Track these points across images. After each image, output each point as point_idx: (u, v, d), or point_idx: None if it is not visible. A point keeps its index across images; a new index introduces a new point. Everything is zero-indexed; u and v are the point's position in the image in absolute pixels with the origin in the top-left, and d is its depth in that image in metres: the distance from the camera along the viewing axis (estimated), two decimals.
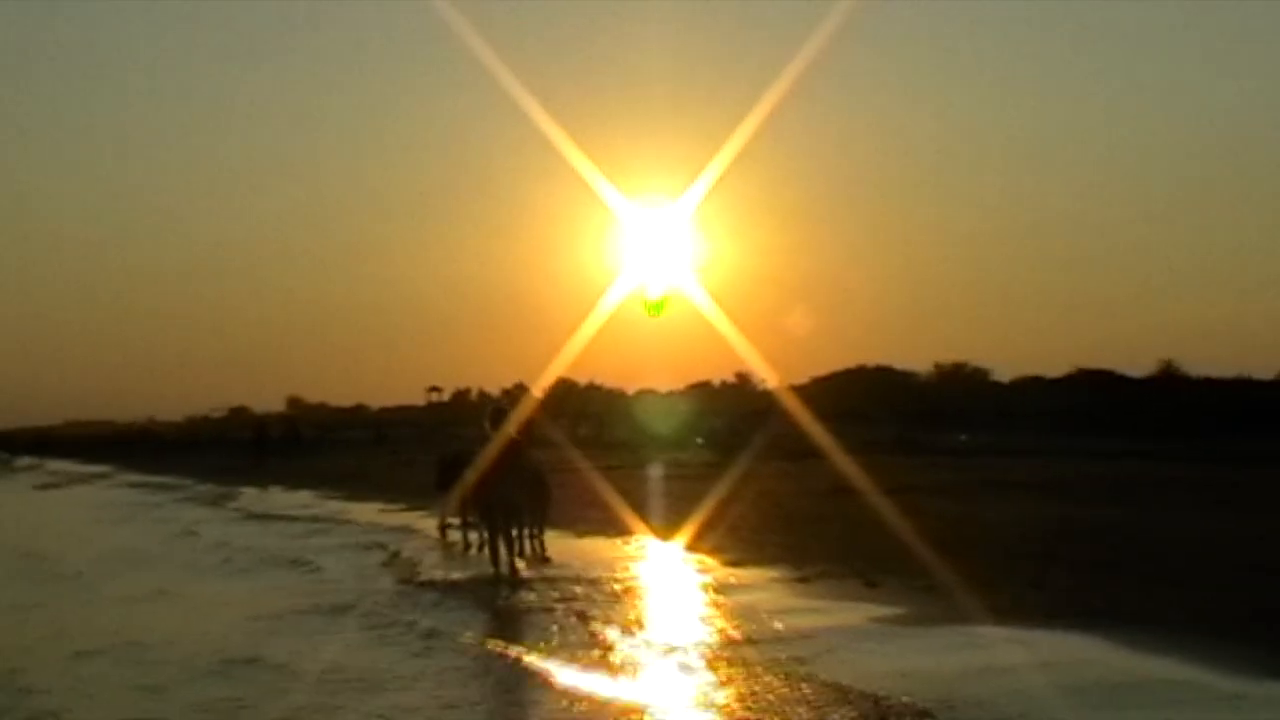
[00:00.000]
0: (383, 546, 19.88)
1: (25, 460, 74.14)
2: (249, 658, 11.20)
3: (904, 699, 8.62)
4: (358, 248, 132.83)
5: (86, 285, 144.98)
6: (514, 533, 16.60)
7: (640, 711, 9.32)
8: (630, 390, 73.09)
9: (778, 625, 11.96)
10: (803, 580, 14.92)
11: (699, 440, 50.12)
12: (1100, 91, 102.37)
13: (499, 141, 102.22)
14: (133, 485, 45.06)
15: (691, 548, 18.57)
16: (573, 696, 9.82)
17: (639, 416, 59.26)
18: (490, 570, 16.19)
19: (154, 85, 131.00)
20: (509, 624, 13.29)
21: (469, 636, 12.42)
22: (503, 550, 16.19)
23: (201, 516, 28.75)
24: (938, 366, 73.80)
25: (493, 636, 12.45)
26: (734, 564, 16.66)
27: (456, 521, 18.98)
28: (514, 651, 11.48)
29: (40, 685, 10.35)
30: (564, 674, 10.48)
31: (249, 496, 34.92)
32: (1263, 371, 65.55)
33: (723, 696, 9.49)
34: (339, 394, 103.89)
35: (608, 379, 71.08)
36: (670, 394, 67.34)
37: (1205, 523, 19.88)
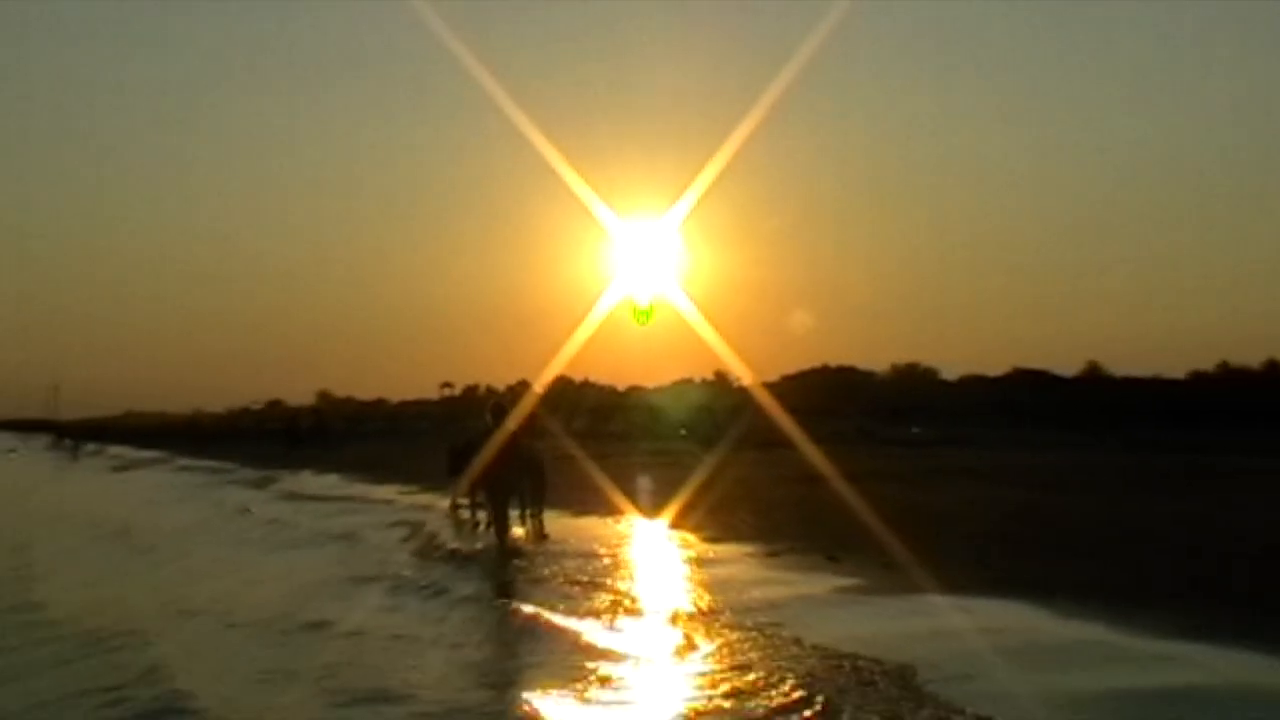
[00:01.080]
0: (405, 524, 19.80)
1: (91, 446, 73.90)
2: (315, 620, 11.34)
3: (875, 658, 8.61)
4: (381, 261, 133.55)
5: (146, 293, 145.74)
6: (511, 511, 16.83)
7: (634, 658, 9.52)
8: (621, 387, 73.18)
9: (752, 594, 11.96)
10: (773, 555, 14.88)
11: (682, 431, 50.10)
12: (1034, 128, 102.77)
13: (506, 168, 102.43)
14: (186, 469, 44.81)
15: (674, 526, 18.56)
16: (572, 639, 10.19)
17: (631, 410, 59.33)
18: (495, 543, 16.43)
19: (207, 125, 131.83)
20: (515, 587, 13.48)
21: (480, 596, 12.89)
22: (504, 526, 16.49)
23: (250, 497, 28.56)
24: (893, 366, 73.98)
25: (501, 596, 12.77)
26: (712, 541, 16.61)
27: (466, 502, 18.95)
28: (519, 606, 11.84)
29: (158, 640, 10.57)
30: (565, 623, 10.85)
31: (287, 480, 34.75)
32: (1175, 371, 65.91)
33: (705, 649, 9.52)
34: (363, 389, 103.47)
35: (601, 377, 70.95)
36: (668, 386, 67.59)
37: (1127, 505, 19.96)
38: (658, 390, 69.33)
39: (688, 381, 69.42)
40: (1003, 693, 7.61)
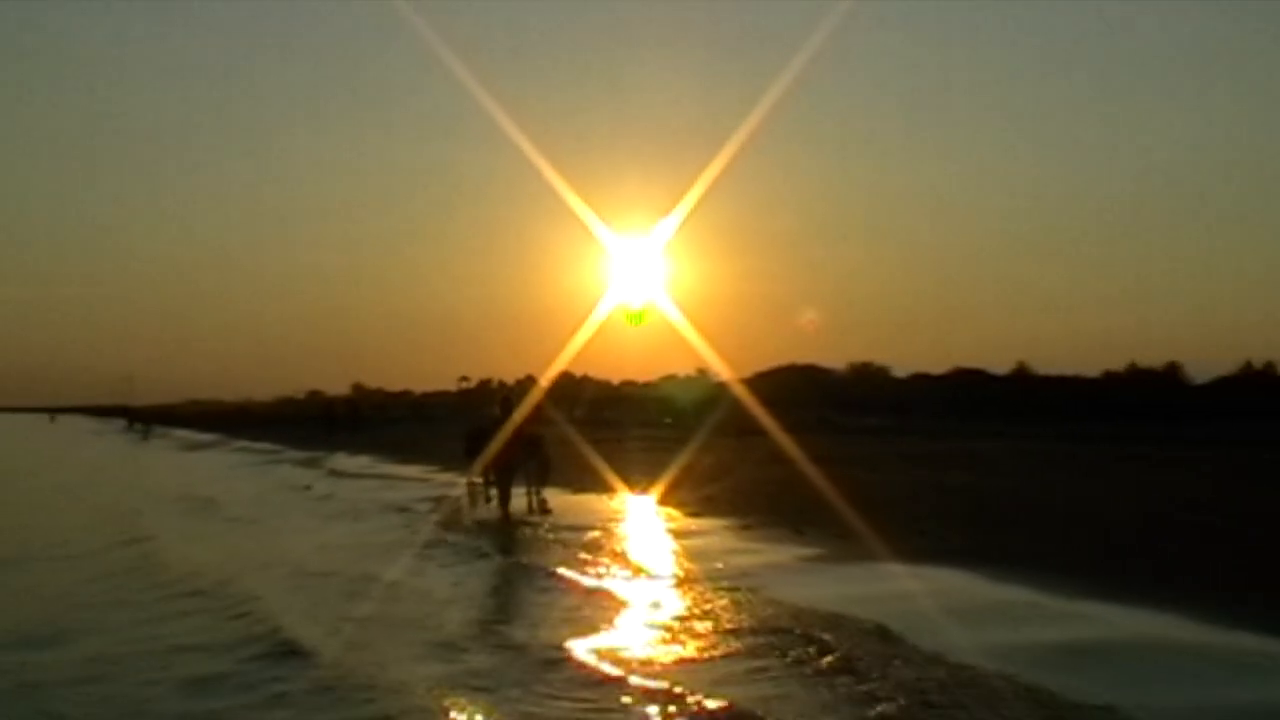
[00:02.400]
0: (430, 499, 19.84)
1: (158, 430, 73.51)
2: (368, 574, 11.66)
3: (851, 616, 8.69)
4: (409, 270, 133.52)
5: (206, 296, 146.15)
6: (517, 488, 17.15)
7: (628, 603, 9.95)
8: (615, 381, 73.09)
9: (731, 560, 12.02)
10: (746, 528, 14.91)
11: (668, 420, 50.04)
12: (974, 164, 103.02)
13: (518, 193, 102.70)
14: (242, 450, 44.41)
15: (660, 502, 18.64)
16: (572, 589, 10.73)
17: (624, 402, 59.25)
18: (501, 513, 16.86)
19: (270, 156, 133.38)
20: (523, 548, 13.85)
21: (493, 556, 13.32)
22: (506, 500, 17.03)
23: (304, 475, 28.29)
24: (851, 365, 73.78)
25: (509, 556, 13.21)
26: (693, 515, 16.69)
27: (480, 480, 19.01)
28: (525, 562, 12.56)
29: (254, 589, 10.86)
30: (566, 575, 11.41)
31: (330, 460, 34.45)
32: (1091, 370, 66.24)
33: (689, 604, 9.63)
34: (391, 380, 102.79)
35: (598, 372, 70.74)
36: (656, 380, 67.55)
37: (1050, 485, 20.05)
38: (647, 384, 69.49)
39: (673, 376, 69.35)
40: (955, 645, 7.70)
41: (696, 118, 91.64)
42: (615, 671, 7.47)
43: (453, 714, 6.57)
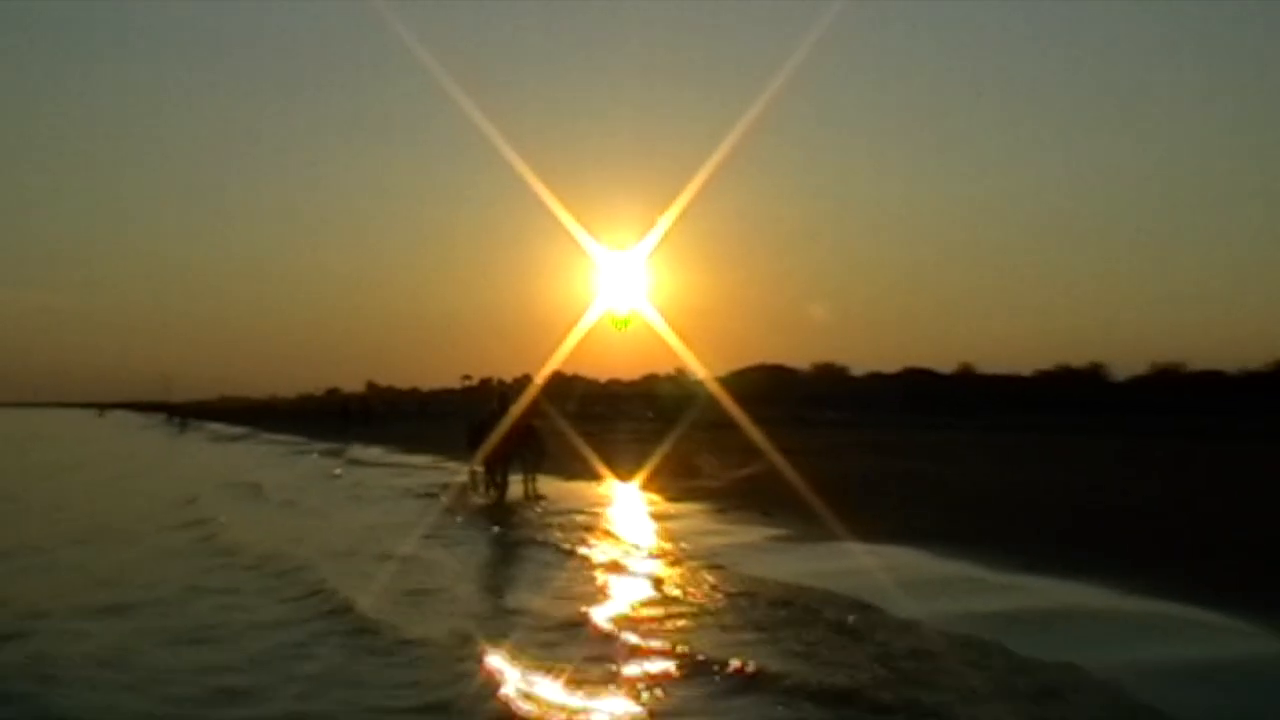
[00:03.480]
0: (438, 485, 19.76)
1: (194, 424, 72.76)
2: (384, 552, 11.71)
3: (822, 588, 8.72)
4: (418, 280, 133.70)
5: (235, 303, 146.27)
6: (514, 475, 17.23)
7: (618, 565, 10.28)
8: (603, 379, 73.05)
9: (707, 540, 12.02)
10: (720, 511, 14.89)
11: (649, 415, 49.99)
12: (926, 180, 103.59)
13: (515, 211, 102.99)
14: (270, 442, 43.68)
15: (643, 488, 18.64)
16: (564, 560, 11.01)
17: (610, 398, 59.22)
18: (498, 497, 16.93)
19: (309, 177, 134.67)
20: (520, 526, 13.97)
21: (493, 533, 13.58)
22: (504, 486, 17.10)
23: (330, 464, 27.95)
24: (814, 364, 74.00)
25: (508, 532, 13.44)
26: (673, 500, 16.67)
27: (481, 468, 18.97)
28: (521, 537, 12.88)
29: (318, 565, 10.88)
30: (558, 548, 11.71)
31: (349, 451, 34.01)
32: (1025, 369, 66.74)
33: (672, 577, 9.65)
34: (401, 379, 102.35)
35: (587, 371, 70.70)
36: (639, 379, 67.56)
37: (990, 472, 20.18)
38: (631, 382, 69.53)
39: (654, 376, 69.37)
40: (916, 611, 7.75)
41: (675, 145, 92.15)
42: (608, 628, 7.71)
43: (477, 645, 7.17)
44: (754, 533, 12.71)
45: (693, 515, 14.79)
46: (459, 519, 15.07)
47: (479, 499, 17.25)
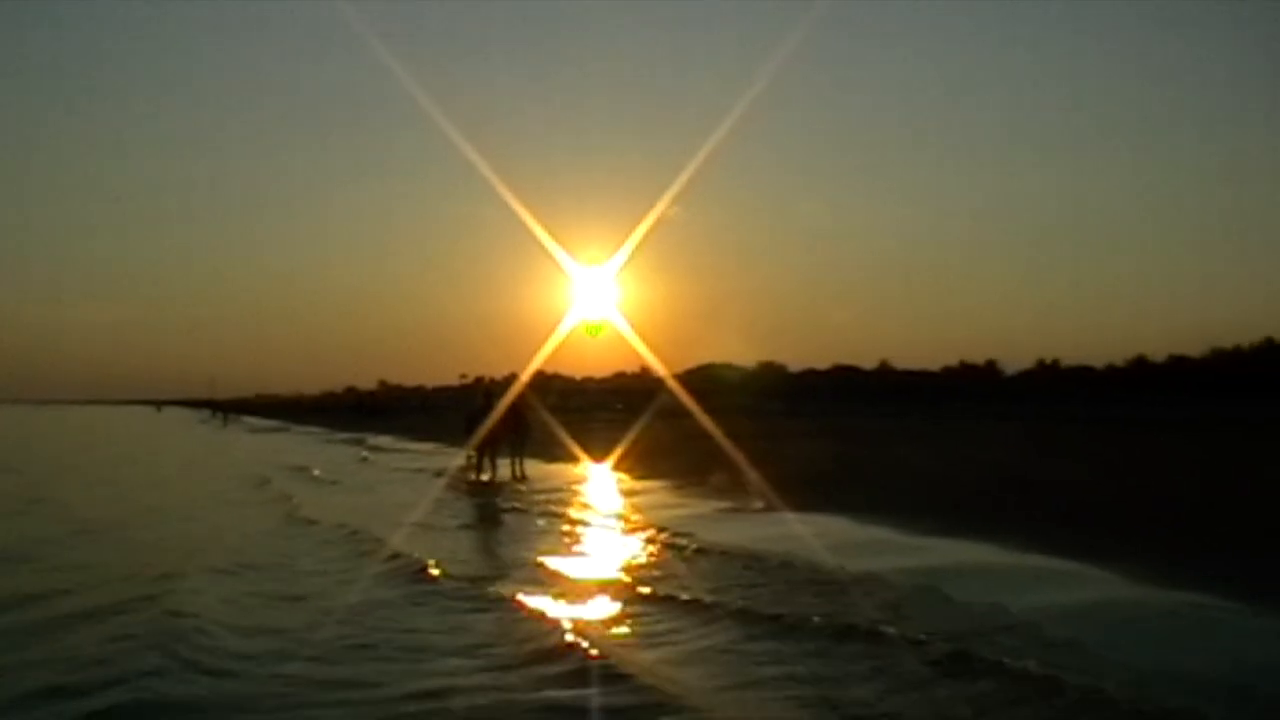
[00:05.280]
0: (440, 468, 19.45)
1: (234, 417, 71.09)
2: (424, 521, 11.72)
3: (763, 551, 8.72)
4: (423, 293, 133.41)
5: (268, 312, 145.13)
6: (502, 459, 17.10)
7: (585, 524, 10.51)
8: (579, 377, 72.75)
9: (669, 512, 11.96)
10: (678, 488, 14.88)
11: (619, 406, 49.87)
12: (855, 203, 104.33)
13: (502, 234, 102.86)
14: (302, 433, 42.81)
15: (614, 469, 18.61)
16: (548, 527, 11.07)
17: (585, 393, 59.05)
18: (489, 477, 16.74)
19: (336, 203, 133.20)
20: (509, 500, 13.82)
21: (488, 506, 13.51)
22: (492, 468, 16.93)
23: (357, 451, 27.36)
24: (758, 362, 74.22)
25: (501, 506, 13.25)
26: (638, 478, 16.63)
27: (474, 453, 18.76)
28: (515, 509, 12.85)
29: (376, 527, 10.85)
30: (543, 518, 11.77)
31: (370, 439, 33.34)
32: (934, 366, 67.43)
33: (639, 545, 9.55)
34: (409, 377, 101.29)
35: (565, 370, 70.39)
36: (610, 376, 67.35)
37: (905, 452, 20.37)
38: (603, 379, 69.36)
39: (623, 373, 69.23)
40: (839, 570, 7.75)
41: (641, 173, 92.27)
42: (577, 572, 8.13)
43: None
44: (707, 505, 12.64)
45: (656, 491, 14.77)
46: (461, 493, 15.11)
47: (475, 477, 17.09)
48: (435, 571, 8.08)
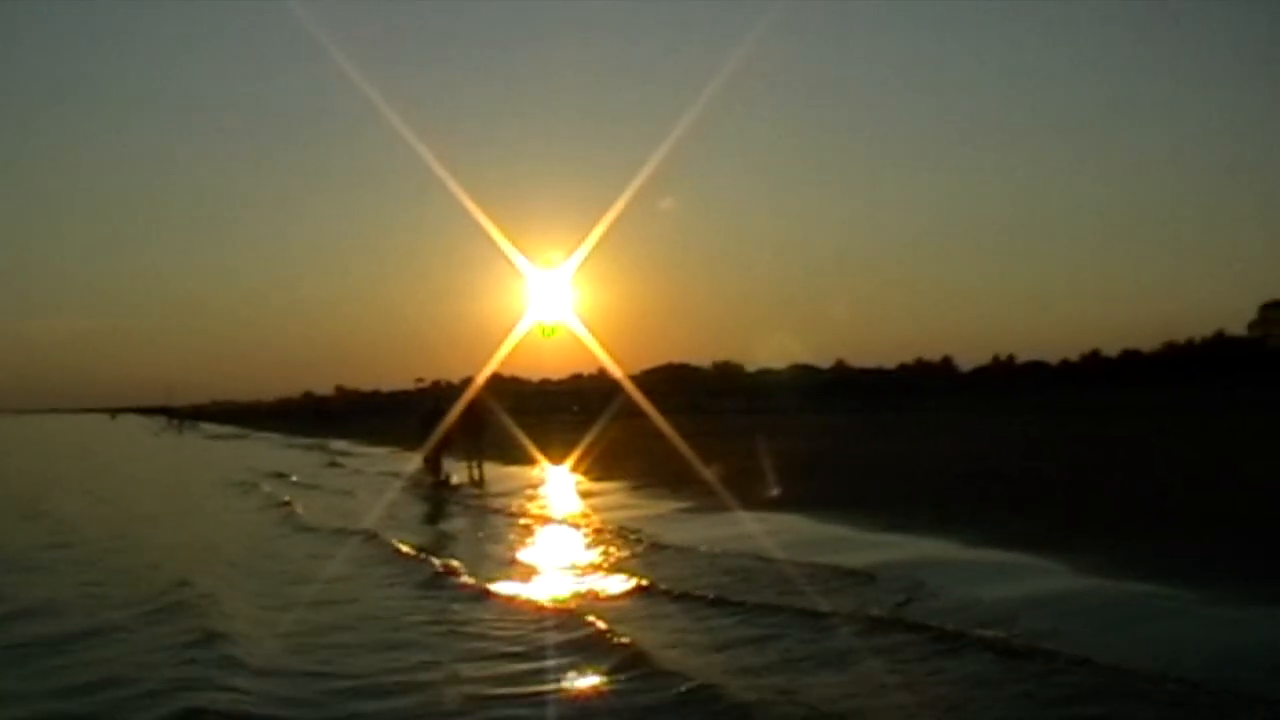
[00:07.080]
0: (397, 471, 19.39)
1: (190, 424, 68.91)
2: (390, 515, 12.31)
3: (721, 550, 8.79)
4: (379, 297, 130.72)
5: (225, 319, 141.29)
6: (458, 461, 17.12)
7: (540, 519, 10.90)
8: (535, 379, 72.42)
9: (625, 512, 11.99)
10: (635, 488, 14.91)
11: (575, 408, 49.74)
12: (812, 206, 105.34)
13: (458, 238, 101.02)
14: (260, 439, 41.69)
15: (572, 470, 18.56)
16: (508, 522, 11.56)
17: (542, 395, 58.69)
18: (445, 478, 16.83)
19: (305, 218, 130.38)
20: (464, 499, 14.15)
21: (446, 503, 14.10)
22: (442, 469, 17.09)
23: (321, 457, 26.97)
24: (714, 362, 74.56)
25: (457, 504, 13.63)
26: (596, 479, 16.61)
27: (430, 455, 18.58)
28: (470, 503, 13.56)
29: (369, 521, 11.48)
30: (501, 515, 12.19)
31: (330, 444, 32.85)
32: (890, 363, 68.52)
33: (596, 543, 9.59)
34: (364, 381, 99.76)
35: (521, 372, 70.03)
36: (566, 378, 67.12)
37: (859, 449, 20.63)
38: (559, 381, 69.06)
39: (579, 375, 69.09)
40: (793, 567, 7.84)
41: (596, 179, 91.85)
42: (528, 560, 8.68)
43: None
44: (663, 505, 12.69)
45: (613, 491, 14.78)
46: (423, 495, 15.37)
47: (433, 479, 17.00)
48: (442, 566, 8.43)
